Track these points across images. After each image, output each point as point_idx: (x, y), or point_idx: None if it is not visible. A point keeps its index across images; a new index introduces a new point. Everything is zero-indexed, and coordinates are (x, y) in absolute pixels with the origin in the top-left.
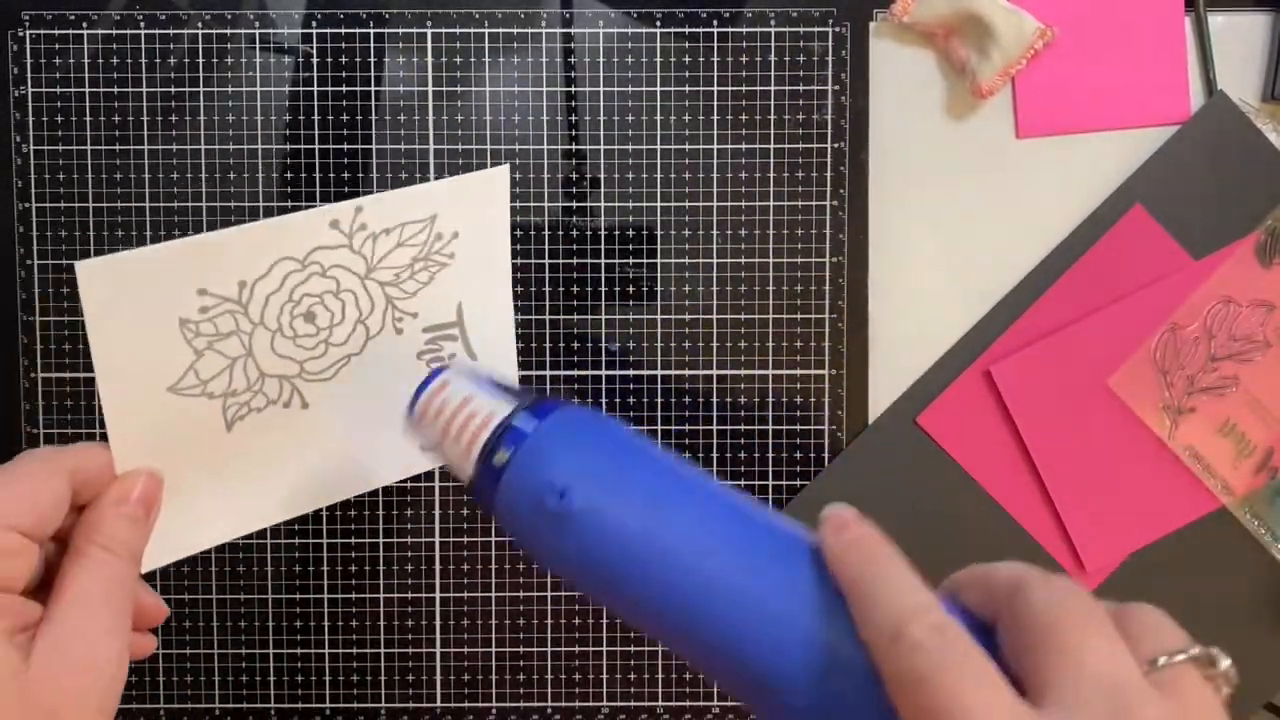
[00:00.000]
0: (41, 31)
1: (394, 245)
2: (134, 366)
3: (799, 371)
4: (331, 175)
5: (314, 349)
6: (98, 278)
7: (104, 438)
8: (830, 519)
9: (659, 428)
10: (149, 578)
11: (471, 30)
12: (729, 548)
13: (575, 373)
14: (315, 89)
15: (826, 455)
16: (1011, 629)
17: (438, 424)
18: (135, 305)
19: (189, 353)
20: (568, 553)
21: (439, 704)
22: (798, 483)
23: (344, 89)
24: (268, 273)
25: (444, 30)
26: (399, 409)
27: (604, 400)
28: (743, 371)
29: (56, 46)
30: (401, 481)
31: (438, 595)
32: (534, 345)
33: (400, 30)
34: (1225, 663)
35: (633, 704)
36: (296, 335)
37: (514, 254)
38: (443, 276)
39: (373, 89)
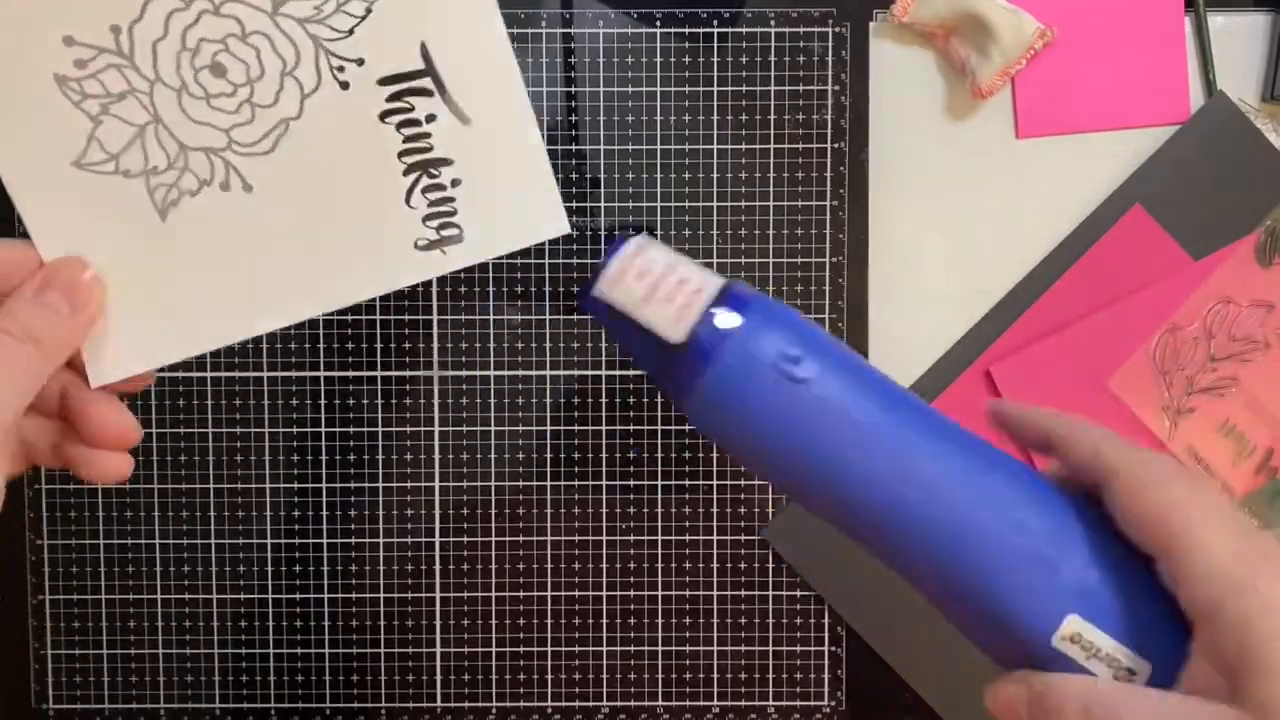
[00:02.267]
0: None
1: None
2: (26, 137)
3: None
4: None
5: (236, 111)
6: None
7: None
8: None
9: (659, 427)
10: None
11: None
12: (947, 444)
13: (575, 372)
14: None
15: None
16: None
17: (642, 283)
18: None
19: (82, 118)
20: (789, 423)
21: (439, 704)
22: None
23: None
24: (141, 15)
25: None
26: (372, 189)
27: (604, 400)
28: None
29: None
30: (401, 481)
31: (438, 595)
32: (534, 345)
33: None
34: None
35: (633, 704)
36: (209, 95)
37: (514, 253)
38: (384, 6)
39: None
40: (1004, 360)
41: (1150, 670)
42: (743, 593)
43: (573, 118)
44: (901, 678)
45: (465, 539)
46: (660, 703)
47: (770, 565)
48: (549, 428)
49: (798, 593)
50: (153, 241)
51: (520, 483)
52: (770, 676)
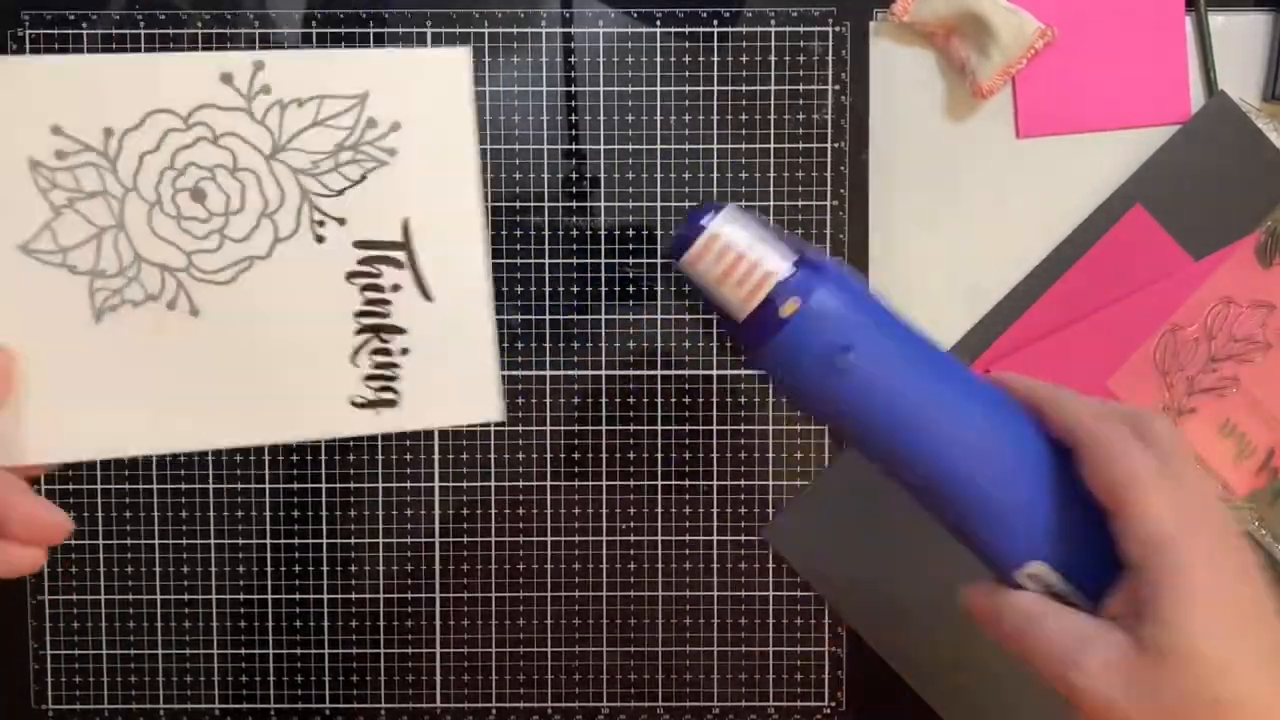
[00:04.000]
0: (41, 31)
1: (309, 122)
2: None
3: None
4: None
5: (205, 239)
6: None
7: None
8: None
9: (659, 427)
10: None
11: (471, 30)
12: (967, 410)
13: (575, 372)
14: None
15: (827, 455)
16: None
17: (720, 265)
18: None
19: (43, 206)
20: (839, 401)
21: (438, 704)
22: (798, 483)
23: None
24: (140, 124)
25: (444, 30)
26: (320, 340)
27: (604, 400)
28: (743, 370)
29: (56, 46)
30: (401, 481)
31: (437, 595)
32: (534, 345)
33: (400, 30)
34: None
35: (633, 704)
36: (181, 215)
37: (514, 253)
38: (379, 179)
39: None
40: (1005, 360)
41: (1092, 610)
42: (743, 593)
43: (573, 118)
44: (902, 678)
45: (465, 539)
46: (660, 703)
47: (770, 565)
48: (549, 428)
49: (798, 593)
50: (82, 340)
51: (520, 483)
52: (770, 677)
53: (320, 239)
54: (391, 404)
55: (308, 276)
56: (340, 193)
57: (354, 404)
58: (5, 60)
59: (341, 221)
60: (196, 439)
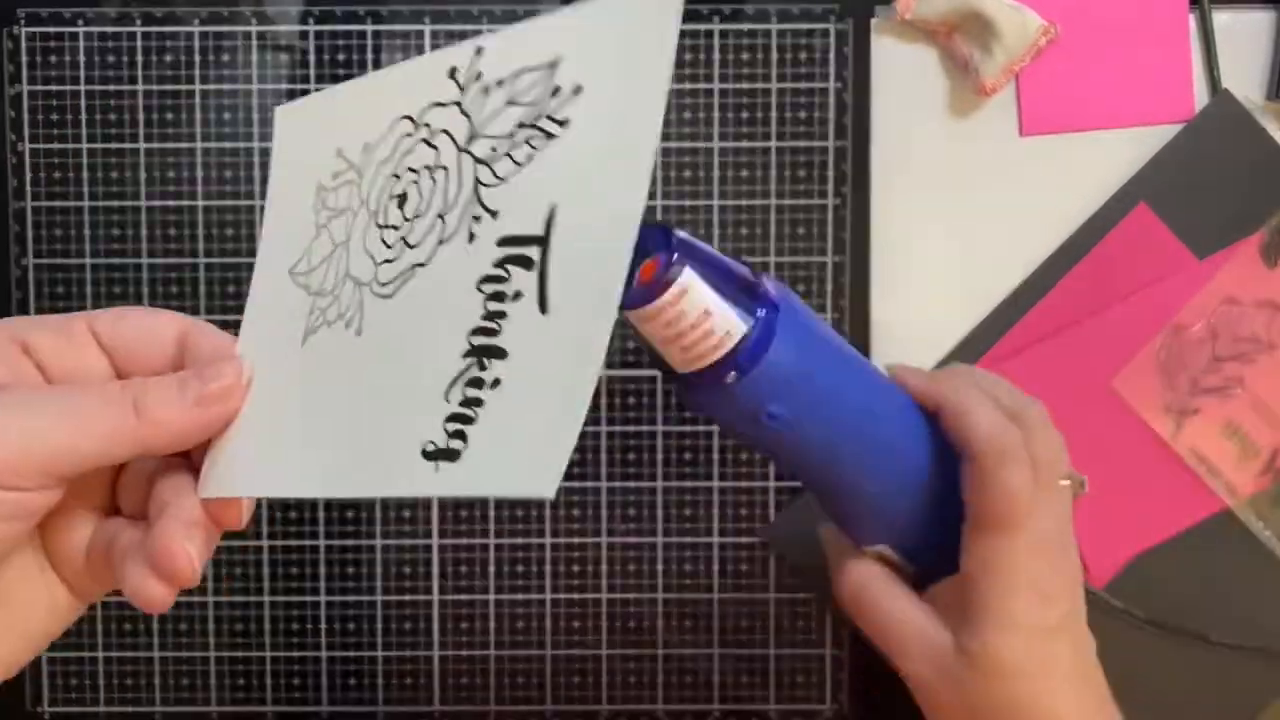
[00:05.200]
0: (37, 29)
1: (503, 102)
2: (279, 234)
3: None
4: None
5: (392, 246)
6: (293, 120)
7: None
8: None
9: (659, 428)
10: None
11: (469, 28)
12: (876, 425)
13: None
14: (313, 87)
15: None
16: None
17: (667, 330)
18: (291, 161)
19: (311, 227)
20: (761, 442)
21: (437, 706)
22: (798, 483)
23: None
24: (386, 134)
25: (442, 28)
26: (432, 368)
27: (604, 400)
28: None
29: (52, 44)
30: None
31: (436, 597)
32: None
33: (398, 28)
34: (1083, 479)
35: (632, 707)
36: (386, 224)
37: None
38: (544, 157)
39: None
40: (1007, 360)
41: (925, 584)
42: (743, 595)
43: None
44: (903, 681)
45: (464, 541)
46: (660, 705)
47: (771, 567)
48: None
49: (799, 595)
50: (291, 365)
51: None
52: (771, 679)
53: (472, 237)
54: (453, 458)
55: (451, 284)
56: (505, 180)
57: (424, 453)
58: (307, 102)
59: (494, 215)
60: (321, 486)
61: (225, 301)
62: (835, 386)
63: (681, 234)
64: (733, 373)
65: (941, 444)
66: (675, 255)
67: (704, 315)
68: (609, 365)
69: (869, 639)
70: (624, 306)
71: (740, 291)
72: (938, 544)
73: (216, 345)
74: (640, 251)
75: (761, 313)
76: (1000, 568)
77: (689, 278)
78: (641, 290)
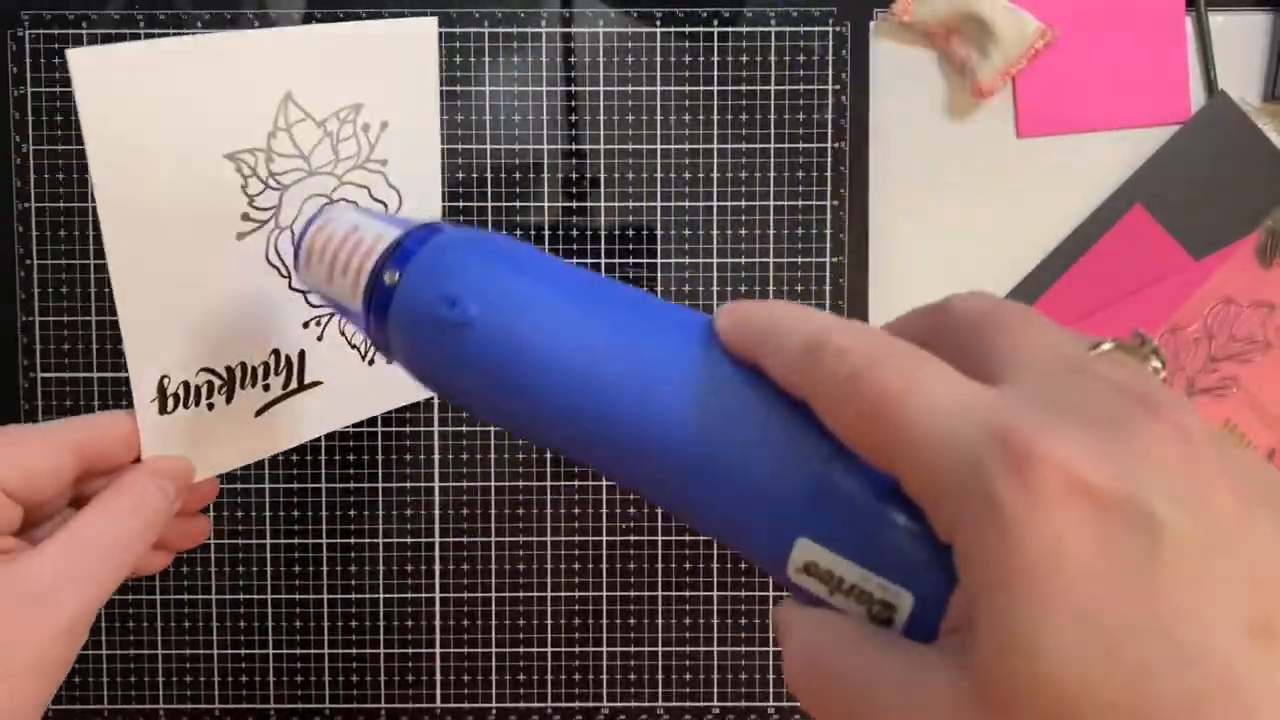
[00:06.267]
0: (41, 31)
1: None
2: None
3: None
4: None
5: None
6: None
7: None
8: (723, 310)
9: None
10: None
11: (471, 30)
12: (624, 343)
13: None
14: None
15: None
16: (946, 336)
17: (325, 259)
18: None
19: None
20: (463, 367)
21: (438, 704)
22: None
23: None
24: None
25: (443, 30)
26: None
27: None
28: None
29: (56, 46)
30: (401, 481)
31: (437, 595)
32: None
33: None
34: (1153, 341)
35: (633, 704)
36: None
37: None
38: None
39: None
40: None
41: (912, 602)
42: (743, 593)
43: (573, 118)
44: None
45: (465, 539)
46: (660, 703)
47: None
48: None
49: None
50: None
51: (520, 483)
52: (771, 677)
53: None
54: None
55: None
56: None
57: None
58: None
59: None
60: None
61: None
62: (562, 287)
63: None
64: (392, 270)
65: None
66: (320, 214)
67: (352, 229)
68: None
69: None
70: (295, 265)
71: (402, 221)
72: (866, 517)
73: (121, 434)
74: (302, 235)
75: (420, 224)
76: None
77: (338, 208)
78: (294, 249)
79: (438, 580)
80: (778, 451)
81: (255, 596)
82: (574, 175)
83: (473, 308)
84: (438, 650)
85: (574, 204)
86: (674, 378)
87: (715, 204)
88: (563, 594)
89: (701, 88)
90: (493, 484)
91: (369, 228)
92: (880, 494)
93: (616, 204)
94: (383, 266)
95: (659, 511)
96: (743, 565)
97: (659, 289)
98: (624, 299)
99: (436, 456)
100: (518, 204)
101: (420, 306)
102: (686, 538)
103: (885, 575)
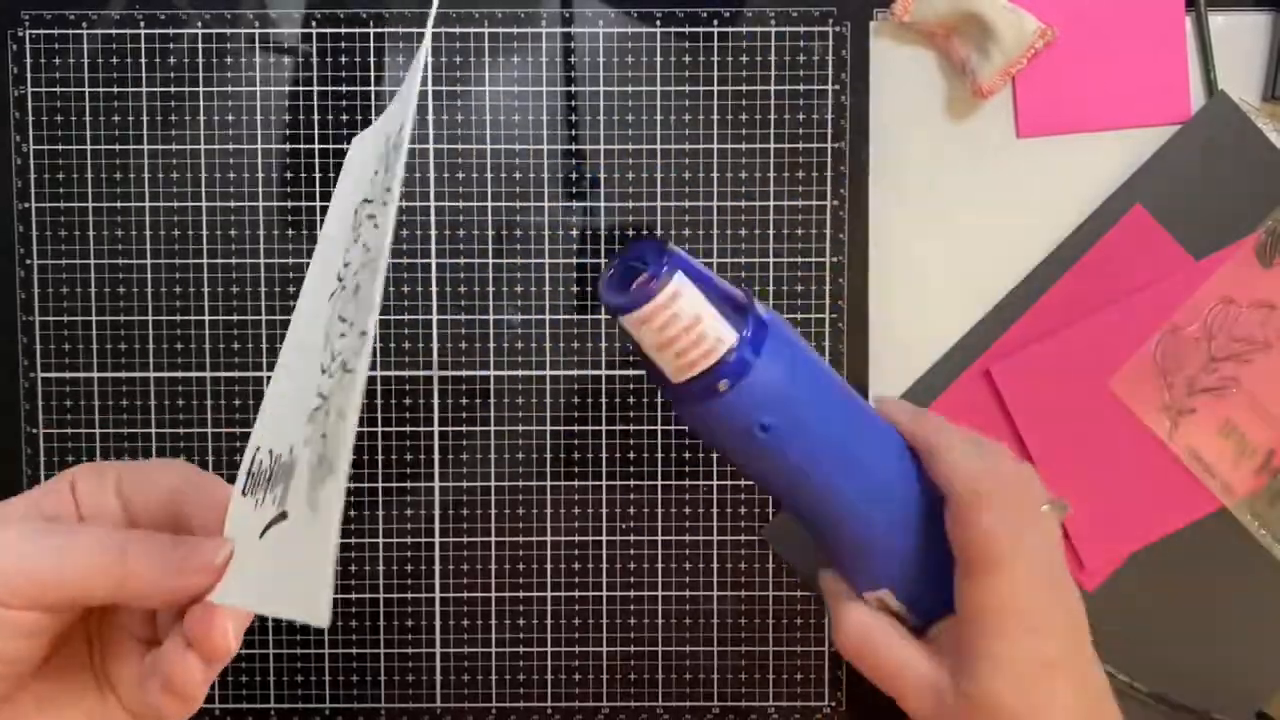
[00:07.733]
0: (41, 31)
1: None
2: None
3: None
4: (331, 175)
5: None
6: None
7: (116, 436)
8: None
9: (659, 428)
10: None
11: (471, 30)
12: (869, 459)
13: (575, 372)
14: (315, 89)
15: None
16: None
17: (661, 334)
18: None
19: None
20: (755, 460)
21: (439, 704)
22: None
23: (344, 89)
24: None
25: (444, 30)
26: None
27: (604, 400)
28: None
29: (56, 46)
30: (401, 481)
31: (437, 595)
32: (534, 345)
33: (400, 30)
34: (1065, 504)
35: (633, 704)
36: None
37: (514, 253)
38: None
39: (372, 89)
40: (1004, 360)
41: (925, 621)
42: (742, 593)
43: (573, 118)
44: None
45: (465, 539)
46: (660, 703)
47: (770, 565)
48: (549, 428)
49: (798, 593)
50: None
51: (520, 483)
52: (770, 677)
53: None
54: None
55: (311, 338)
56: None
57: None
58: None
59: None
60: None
61: (227, 303)
62: (827, 408)
63: (675, 247)
64: (725, 380)
65: (931, 484)
66: (668, 261)
67: (695, 320)
68: (609, 366)
69: (872, 684)
70: (621, 311)
71: (731, 308)
72: (935, 586)
73: (207, 506)
74: (634, 264)
75: (751, 325)
76: (988, 608)
77: (681, 282)
78: (637, 292)
79: (438, 580)
80: (911, 541)
81: None
82: (574, 175)
83: (779, 430)
84: (438, 650)
85: (574, 204)
86: (883, 479)
87: (715, 204)
88: (563, 594)
89: (701, 88)
90: (493, 484)
91: (710, 324)
92: (945, 577)
93: (616, 204)
94: (718, 376)
95: (659, 512)
96: (743, 566)
97: None
98: (856, 408)
99: (436, 456)
100: (518, 204)
101: (738, 418)
102: (686, 538)
103: (915, 613)
